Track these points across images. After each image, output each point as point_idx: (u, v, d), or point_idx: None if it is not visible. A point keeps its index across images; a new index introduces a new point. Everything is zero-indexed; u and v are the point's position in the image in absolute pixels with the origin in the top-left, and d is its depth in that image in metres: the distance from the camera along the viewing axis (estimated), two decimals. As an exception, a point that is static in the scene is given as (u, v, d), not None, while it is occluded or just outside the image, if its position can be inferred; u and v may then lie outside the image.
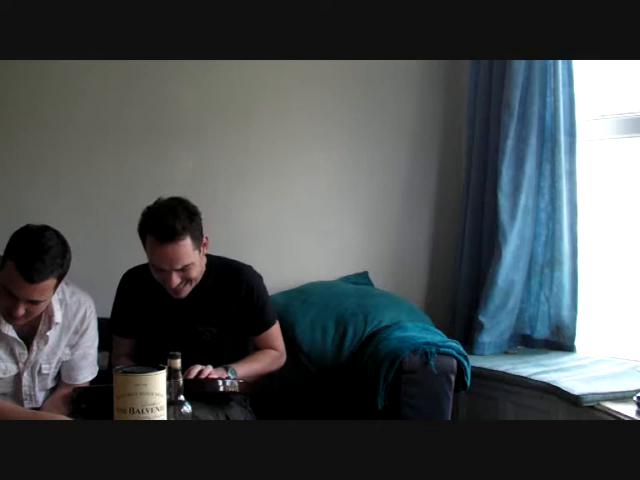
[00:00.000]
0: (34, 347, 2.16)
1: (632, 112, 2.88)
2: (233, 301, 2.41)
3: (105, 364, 2.46)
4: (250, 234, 3.05)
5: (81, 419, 2.06)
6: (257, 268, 2.50)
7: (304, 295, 2.90)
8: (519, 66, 2.86)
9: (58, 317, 2.17)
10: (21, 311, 2.00)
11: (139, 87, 2.96)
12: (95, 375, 2.32)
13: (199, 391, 2.15)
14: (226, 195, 3.03)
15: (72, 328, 2.22)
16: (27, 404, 2.21)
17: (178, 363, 1.79)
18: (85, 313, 2.24)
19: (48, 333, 2.16)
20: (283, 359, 2.51)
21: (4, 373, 2.17)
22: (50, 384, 2.27)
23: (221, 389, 2.18)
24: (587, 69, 2.95)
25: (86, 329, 2.25)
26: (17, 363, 2.17)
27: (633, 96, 2.89)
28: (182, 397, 1.81)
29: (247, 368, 2.35)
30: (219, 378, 2.20)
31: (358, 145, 3.16)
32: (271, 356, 2.46)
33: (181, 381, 1.80)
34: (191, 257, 2.25)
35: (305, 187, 3.13)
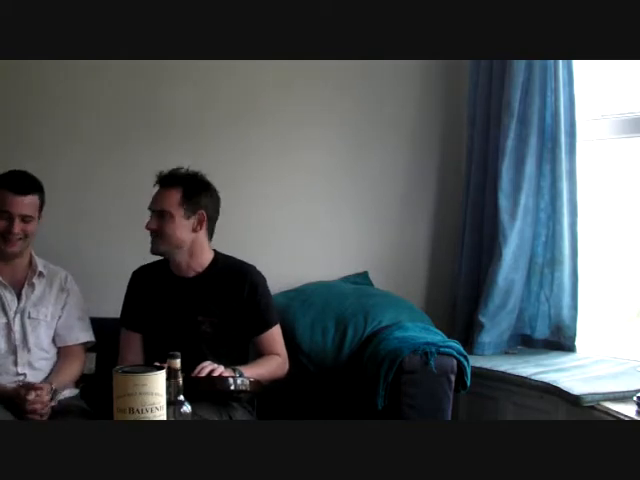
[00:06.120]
0: (23, 296, 2.43)
1: (632, 112, 2.88)
2: (236, 296, 2.43)
3: (92, 367, 2.54)
4: (250, 234, 3.04)
5: (81, 420, 2.06)
6: (257, 268, 2.50)
7: (304, 295, 2.89)
8: (519, 66, 2.86)
9: (41, 268, 2.47)
10: (17, 228, 2.35)
11: (138, 87, 2.95)
12: (89, 339, 2.51)
13: (209, 389, 2.15)
14: (226, 195, 3.01)
15: (56, 285, 2.49)
16: (21, 354, 2.37)
17: (178, 363, 1.79)
18: (67, 276, 2.53)
19: (34, 280, 2.44)
20: (286, 366, 2.50)
21: None
22: (45, 342, 2.42)
23: (232, 387, 2.17)
24: (587, 69, 2.95)
25: (71, 288, 2.51)
26: (6, 314, 2.38)
27: (633, 96, 2.89)
28: (182, 397, 1.81)
29: (253, 371, 2.34)
30: (231, 376, 2.20)
31: (358, 145, 3.15)
32: (276, 362, 2.45)
33: (181, 381, 1.80)
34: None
35: (305, 187, 3.13)
